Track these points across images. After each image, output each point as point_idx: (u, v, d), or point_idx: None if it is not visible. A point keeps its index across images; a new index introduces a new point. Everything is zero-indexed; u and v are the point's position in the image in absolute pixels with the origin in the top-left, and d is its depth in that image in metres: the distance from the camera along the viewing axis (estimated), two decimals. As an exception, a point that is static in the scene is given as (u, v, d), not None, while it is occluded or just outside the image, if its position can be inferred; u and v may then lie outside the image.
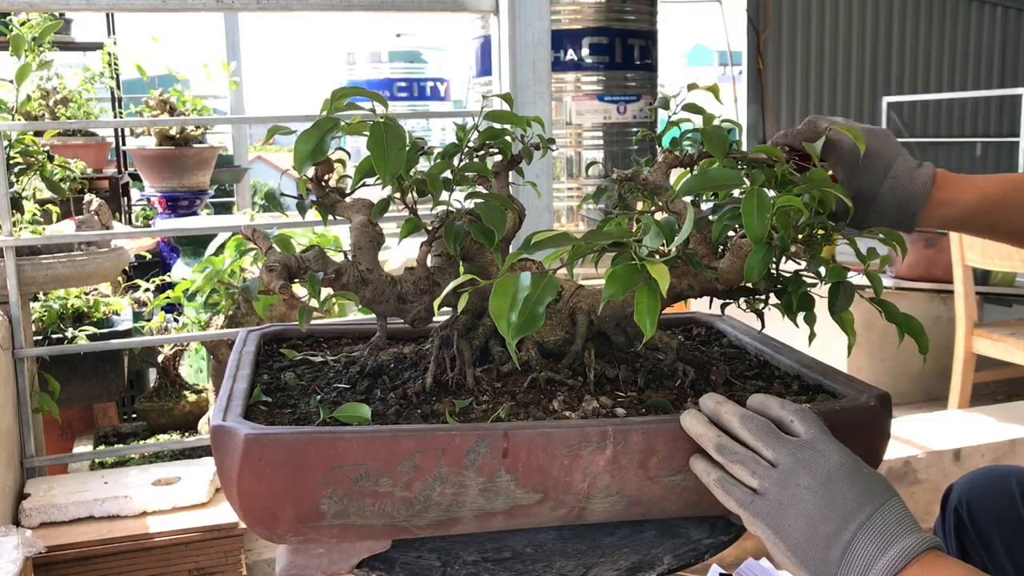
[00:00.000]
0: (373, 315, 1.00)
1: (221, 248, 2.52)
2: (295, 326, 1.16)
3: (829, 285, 0.90)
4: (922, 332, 0.90)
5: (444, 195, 0.97)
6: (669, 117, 1.05)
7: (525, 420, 0.87)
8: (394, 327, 1.15)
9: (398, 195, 0.97)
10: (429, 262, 1.01)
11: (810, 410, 0.82)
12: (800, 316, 0.92)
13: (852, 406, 0.91)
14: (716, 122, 0.97)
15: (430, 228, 0.99)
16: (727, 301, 1.00)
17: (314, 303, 0.91)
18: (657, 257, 0.82)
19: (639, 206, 1.06)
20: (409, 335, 1.18)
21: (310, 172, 1.02)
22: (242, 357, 1.02)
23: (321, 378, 1.00)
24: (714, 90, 1.07)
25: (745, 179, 0.88)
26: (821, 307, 0.92)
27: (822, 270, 0.90)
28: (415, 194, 0.97)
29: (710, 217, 0.96)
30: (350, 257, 0.96)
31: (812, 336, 0.91)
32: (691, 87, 1.05)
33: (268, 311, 2.43)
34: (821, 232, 0.91)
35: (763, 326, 1.04)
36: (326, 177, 1.03)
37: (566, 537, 0.90)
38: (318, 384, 0.98)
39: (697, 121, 1.02)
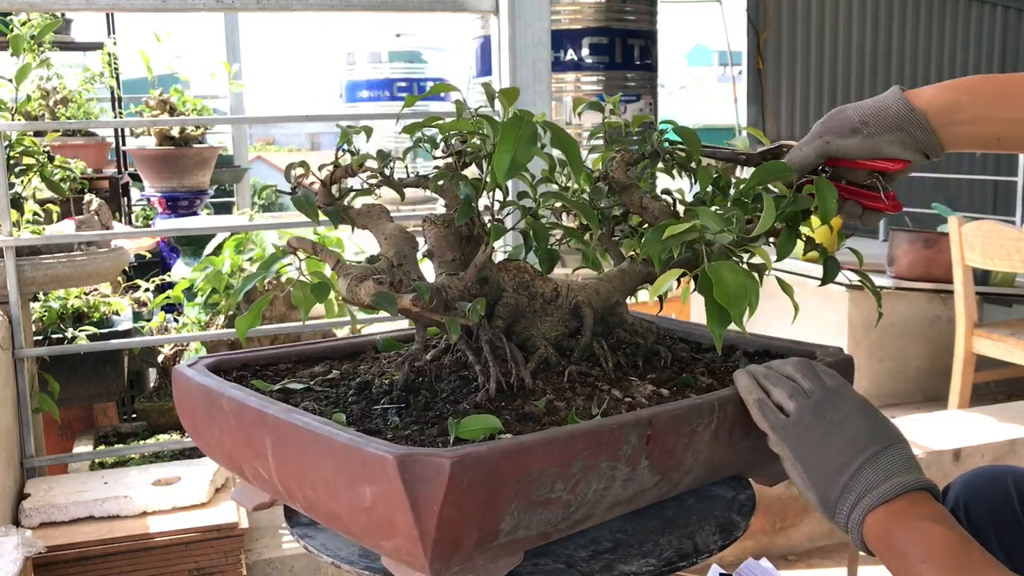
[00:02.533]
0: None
1: (220, 248, 2.52)
2: (232, 354, 1.11)
3: (823, 261, 1.06)
4: (876, 290, 1.06)
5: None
6: (603, 118, 1.14)
7: (614, 411, 0.88)
8: (321, 346, 1.15)
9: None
10: (436, 268, 1.00)
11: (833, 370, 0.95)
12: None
13: (839, 359, 1.04)
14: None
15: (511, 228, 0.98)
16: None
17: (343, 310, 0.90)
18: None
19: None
20: (334, 353, 1.15)
21: (323, 175, 1.01)
22: (244, 391, 0.93)
23: (344, 403, 0.95)
24: (614, 102, 1.16)
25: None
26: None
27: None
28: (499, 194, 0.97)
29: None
30: (396, 265, 0.94)
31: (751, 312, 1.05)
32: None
33: (268, 310, 2.43)
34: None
35: (661, 308, 1.16)
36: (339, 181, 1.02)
37: (632, 520, 0.95)
38: (359, 409, 0.92)
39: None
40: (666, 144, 1.05)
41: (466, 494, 0.71)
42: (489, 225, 0.96)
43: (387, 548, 0.77)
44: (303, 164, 1.02)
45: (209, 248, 2.66)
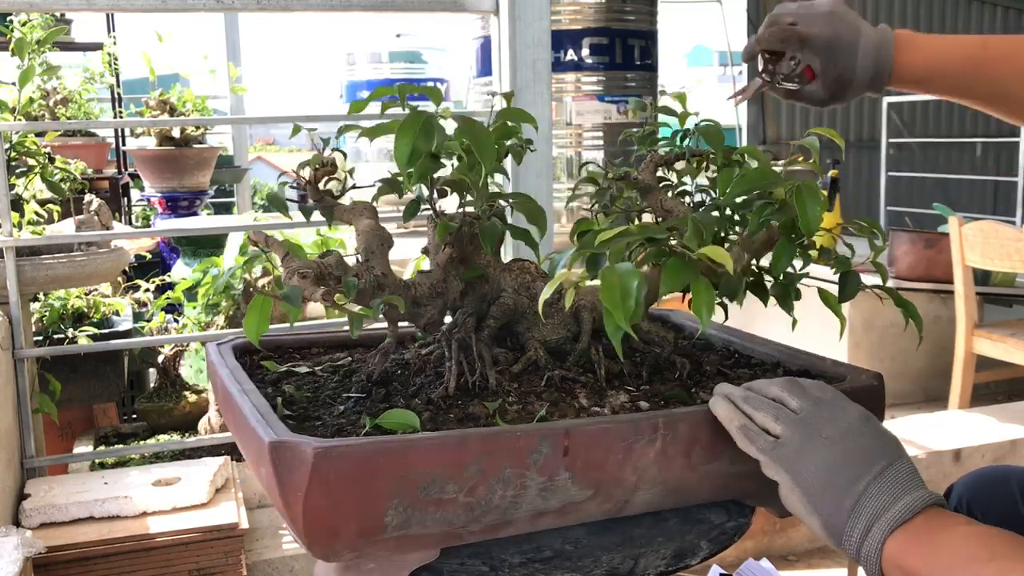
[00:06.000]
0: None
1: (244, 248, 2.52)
2: (265, 337, 1.12)
3: (839, 275, 1.00)
4: (916, 314, 1.05)
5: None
6: (647, 119, 1.11)
7: (565, 418, 0.87)
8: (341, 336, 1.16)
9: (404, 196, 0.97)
10: (428, 266, 1.00)
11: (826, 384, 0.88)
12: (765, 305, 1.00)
13: (860, 386, 0.96)
14: (694, 121, 1.05)
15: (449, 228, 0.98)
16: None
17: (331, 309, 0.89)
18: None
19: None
20: (370, 341, 1.16)
21: (306, 174, 1.02)
22: (233, 371, 0.98)
23: (323, 388, 0.97)
24: (681, 98, 1.12)
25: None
26: (810, 306, 0.95)
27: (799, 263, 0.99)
28: (437, 195, 0.97)
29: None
30: (361, 261, 0.95)
31: (794, 322, 1.00)
32: (662, 92, 1.12)
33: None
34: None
35: (726, 318, 1.08)
36: (325, 179, 1.03)
37: (595, 532, 0.91)
38: (328, 395, 0.94)
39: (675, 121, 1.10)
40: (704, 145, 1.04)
41: (334, 485, 0.73)
42: (480, 224, 0.97)
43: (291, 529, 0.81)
44: (308, 163, 1.03)
45: (228, 251, 2.65)
